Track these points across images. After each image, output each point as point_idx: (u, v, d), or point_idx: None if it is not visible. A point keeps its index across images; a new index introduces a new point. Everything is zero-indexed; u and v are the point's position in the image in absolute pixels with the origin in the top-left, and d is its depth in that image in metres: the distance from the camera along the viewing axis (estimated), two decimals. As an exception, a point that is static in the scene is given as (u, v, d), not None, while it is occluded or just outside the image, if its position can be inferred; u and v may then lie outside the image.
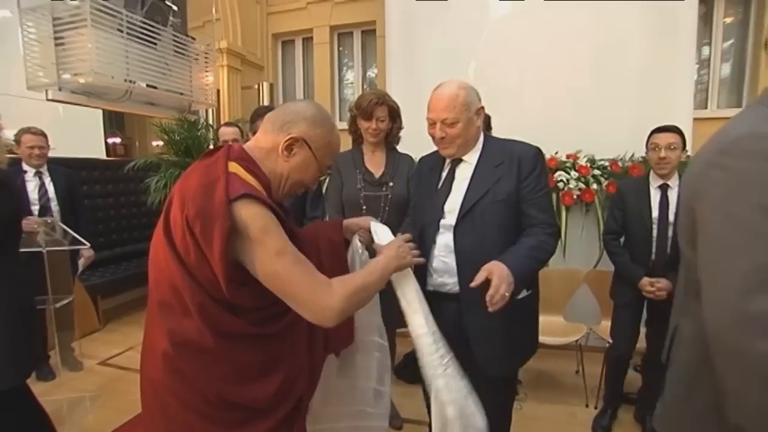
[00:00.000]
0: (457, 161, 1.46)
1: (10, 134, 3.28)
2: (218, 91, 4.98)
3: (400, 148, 2.20)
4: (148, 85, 3.86)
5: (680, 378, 0.85)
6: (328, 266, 1.17)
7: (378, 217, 2.01)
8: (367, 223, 1.29)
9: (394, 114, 2.08)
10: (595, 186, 2.94)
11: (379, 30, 4.92)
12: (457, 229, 1.40)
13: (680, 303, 0.91)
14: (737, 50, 4.35)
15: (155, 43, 3.88)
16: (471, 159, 1.44)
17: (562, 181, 2.93)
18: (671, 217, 2.06)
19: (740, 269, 0.62)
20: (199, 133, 3.94)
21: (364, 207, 2.04)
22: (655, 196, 2.11)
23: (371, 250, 1.26)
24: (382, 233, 1.25)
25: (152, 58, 3.89)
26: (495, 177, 1.38)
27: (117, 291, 4.03)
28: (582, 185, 2.91)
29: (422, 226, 1.50)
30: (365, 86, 5.47)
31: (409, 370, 2.53)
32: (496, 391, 1.42)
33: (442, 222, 1.44)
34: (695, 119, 3.37)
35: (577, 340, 2.53)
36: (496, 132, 2.47)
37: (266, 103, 4.94)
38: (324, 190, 2.25)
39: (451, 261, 1.41)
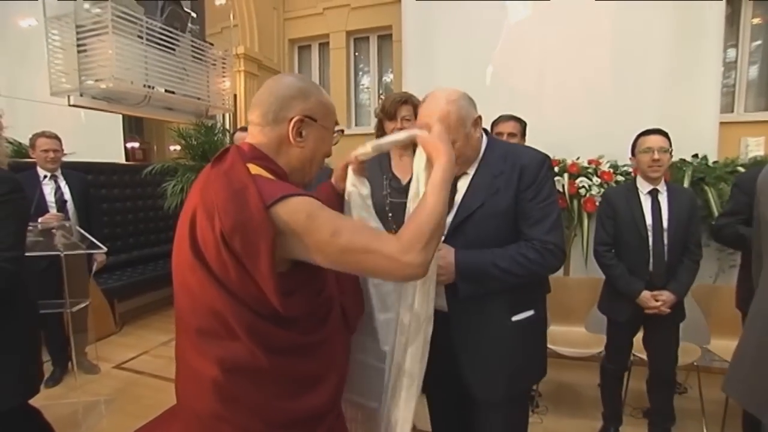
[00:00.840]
0: (458, 175, 1.30)
1: (17, 135, 3.39)
2: (235, 96, 5.02)
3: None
4: (166, 90, 3.90)
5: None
6: None
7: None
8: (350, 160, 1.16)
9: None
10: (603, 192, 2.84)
11: (396, 35, 4.90)
12: (447, 244, 1.24)
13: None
14: (765, 52, 4.20)
15: (174, 49, 3.93)
16: (472, 170, 1.29)
17: (584, 187, 2.84)
18: (665, 223, 1.98)
19: None
20: (215, 138, 3.96)
21: (390, 214, 1.99)
22: (645, 202, 2.02)
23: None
24: (386, 143, 1.13)
25: (171, 64, 3.93)
26: (493, 188, 1.23)
27: (134, 294, 4.06)
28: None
29: None
30: (381, 91, 5.46)
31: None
32: (501, 412, 1.32)
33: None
34: (721, 123, 3.25)
35: (599, 352, 2.43)
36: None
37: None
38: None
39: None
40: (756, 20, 4.22)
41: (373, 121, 2.04)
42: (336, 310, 1.03)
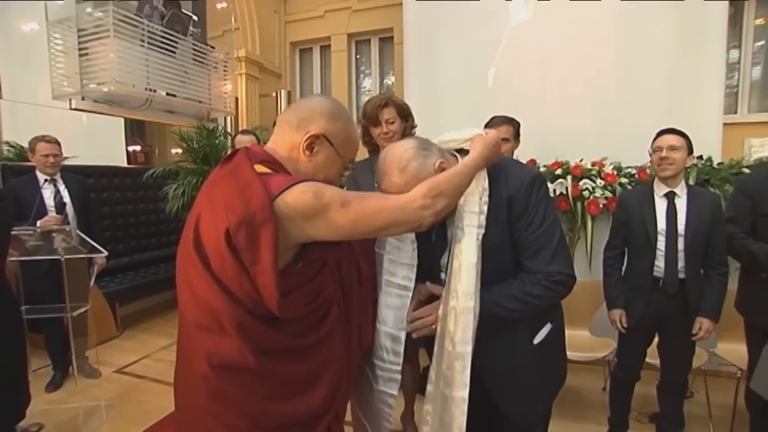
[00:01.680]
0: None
1: (19, 138, 3.36)
2: (236, 99, 5.02)
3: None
4: (167, 94, 3.91)
5: None
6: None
7: None
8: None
9: (404, 113, 1.98)
10: (618, 194, 2.81)
11: (397, 37, 4.90)
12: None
13: None
14: (768, 52, 4.19)
15: (174, 52, 3.93)
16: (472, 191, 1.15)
17: (587, 189, 2.82)
18: (681, 229, 1.89)
19: None
20: (217, 141, 3.96)
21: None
22: (660, 206, 1.94)
23: None
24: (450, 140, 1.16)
25: (172, 67, 3.94)
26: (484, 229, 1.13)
27: (135, 298, 4.05)
28: (608, 194, 2.79)
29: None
30: (382, 93, 5.45)
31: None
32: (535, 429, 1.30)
33: (442, 276, 1.18)
34: (725, 124, 3.22)
35: (605, 356, 2.41)
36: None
37: (284, 110, 4.96)
38: None
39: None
40: (759, 21, 4.21)
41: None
42: (335, 312, 1.02)
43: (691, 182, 2.64)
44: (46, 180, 2.82)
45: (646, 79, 3.13)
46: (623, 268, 2.10)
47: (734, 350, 2.28)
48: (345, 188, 2.17)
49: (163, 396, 2.68)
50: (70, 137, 3.18)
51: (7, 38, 4.46)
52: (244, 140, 2.66)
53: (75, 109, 3.57)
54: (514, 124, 2.24)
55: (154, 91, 3.80)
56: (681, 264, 1.90)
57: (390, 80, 5.49)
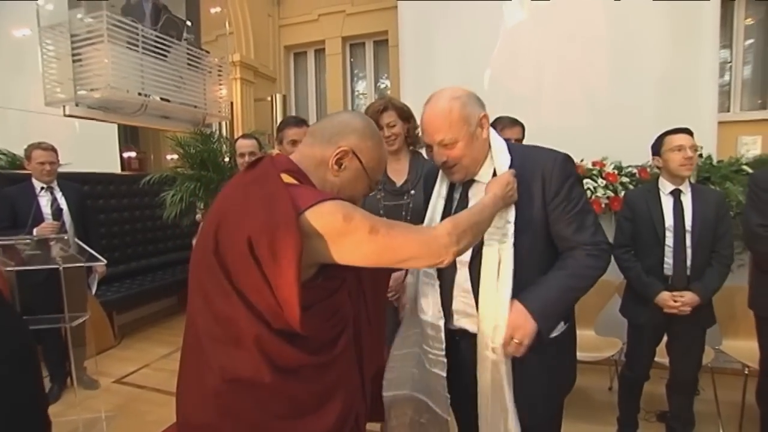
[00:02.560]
0: (468, 182, 1.22)
1: (11, 146, 3.29)
2: (231, 103, 4.98)
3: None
4: (162, 99, 3.86)
5: None
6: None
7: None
8: None
9: (405, 115, 1.98)
10: (623, 193, 2.82)
11: (392, 40, 4.90)
12: (472, 266, 1.17)
13: None
14: (758, 51, 4.26)
15: (166, 56, 3.89)
16: (484, 177, 1.18)
17: (589, 189, 2.83)
18: (688, 225, 1.92)
19: None
20: (214, 146, 3.92)
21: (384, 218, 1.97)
22: (667, 203, 1.96)
23: None
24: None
25: (167, 73, 3.90)
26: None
27: (133, 306, 3.99)
28: (610, 193, 2.81)
29: None
30: (377, 97, 5.45)
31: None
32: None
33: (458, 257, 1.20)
34: (718, 123, 3.26)
35: (611, 356, 2.40)
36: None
37: (279, 114, 4.93)
38: None
39: (469, 301, 1.19)
40: (749, 20, 4.27)
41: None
42: (348, 334, 1.00)
43: (692, 180, 2.66)
44: (42, 188, 2.77)
45: (641, 78, 3.16)
46: None
47: (740, 347, 2.29)
48: None
49: (164, 406, 2.63)
50: (63, 144, 3.11)
51: (-2, 44, 4.40)
52: (245, 144, 2.63)
53: (69, 116, 3.52)
54: (522, 126, 2.28)
55: (149, 96, 3.76)
56: (689, 261, 1.91)
57: (384, 83, 5.49)
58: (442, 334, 1.20)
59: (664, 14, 3.11)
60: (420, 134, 2.07)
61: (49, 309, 2.41)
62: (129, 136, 5.74)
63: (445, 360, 1.21)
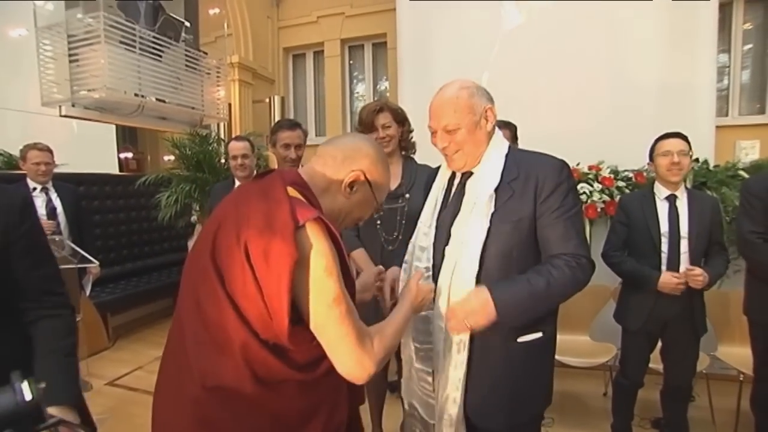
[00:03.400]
0: (467, 174, 1.24)
1: (8, 146, 3.29)
2: (229, 105, 4.97)
3: (418, 159, 2.11)
4: (159, 100, 3.85)
5: None
6: None
7: (394, 230, 1.92)
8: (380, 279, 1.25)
9: (400, 118, 1.98)
10: (618, 198, 2.82)
11: (390, 42, 4.90)
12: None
13: None
14: (757, 56, 4.25)
15: (161, 57, 3.88)
16: (482, 172, 1.20)
17: (585, 193, 2.82)
18: (684, 231, 1.90)
19: None
20: (210, 148, 3.91)
21: (379, 222, 1.96)
22: (662, 209, 1.95)
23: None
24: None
25: (164, 73, 3.88)
26: (506, 194, 1.14)
27: (127, 308, 3.97)
28: (606, 197, 2.79)
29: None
30: (376, 99, 5.44)
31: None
32: None
33: (447, 249, 1.20)
34: (716, 127, 3.26)
35: (606, 362, 2.39)
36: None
37: (278, 116, 4.93)
38: None
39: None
40: (747, 25, 4.26)
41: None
42: None
43: (689, 185, 2.65)
44: (36, 188, 2.76)
45: (638, 82, 3.16)
46: None
47: (735, 354, 2.27)
48: None
49: (156, 409, 2.62)
50: (61, 144, 3.11)
51: (-6, 44, 4.39)
52: (237, 146, 2.62)
53: (65, 116, 3.50)
54: (511, 128, 2.25)
55: (146, 97, 3.75)
56: (683, 267, 1.89)
57: (383, 85, 5.48)
58: (431, 327, 1.22)
59: (662, 18, 3.11)
60: (413, 139, 2.07)
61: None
62: (127, 137, 5.74)
63: (431, 355, 1.24)
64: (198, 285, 0.89)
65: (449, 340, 1.18)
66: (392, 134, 1.95)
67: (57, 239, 2.36)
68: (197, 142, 3.88)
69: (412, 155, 2.08)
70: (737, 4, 4.12)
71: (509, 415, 1.19)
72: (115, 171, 5.03)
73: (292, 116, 5.61)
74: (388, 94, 5.18)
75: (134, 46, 3.62)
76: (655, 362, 2.11)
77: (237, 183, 2.65)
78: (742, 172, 2.72)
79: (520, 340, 1.17)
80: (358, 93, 5.68)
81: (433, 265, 1.23)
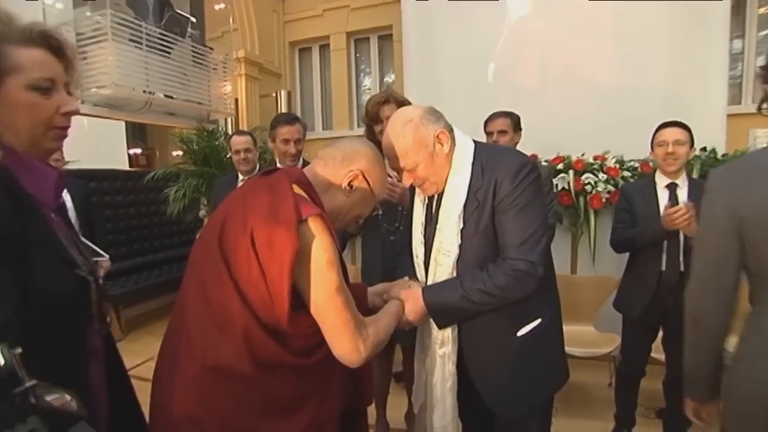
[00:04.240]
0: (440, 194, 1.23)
1: None
2: (236, 99, 5.02)
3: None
4: (166, 96, 3.91)
5: None
6: None
7: (395, 221, 1.94)
8: (395, 292, 1.25)
9: None
10: (620, 186, 2.78)
11: (396, 34, 4.88)
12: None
13: None
14: (773, 42, 4.14)
15: (169, 53, 3.92)
16: (454, 188, 1.18)
17: (590, 183, 2.79)
18: None
19: None
20: (217, 143, 3.95)
21: (380, 213, 1.97)
22: (663, 197, 1.94)
23: None
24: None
25: (171, 69, 3.94)
26: (473, 206, 1.15)
27: (138, 300, 4.05)
28: (611, 187, 2.77)
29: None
30: (383, 90, 5.43)
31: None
32: (524, 426, 1.27)
33: (431, 261, 1.26)
34: (729, 115, 3.18)
35: (610, 352, 2.38)
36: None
37: (284, 110, 4.95)
38: None
39: None
40: (762, 10, 4.15)
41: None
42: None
43: (695, 175, 2.61)
44: (46, 184, 2.82)
45: (647, 70, 3.10)
46: (624, 263, 2.07)
47: (741, 344, 2.25)
48: None
49: (167, 398, 2.68)
50: (73, 141, 3.13)
51: (6, 43, 4.47)
52: (239, 141, 2.64)
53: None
54: (512, 117, 2.23)
55: (153, 93, 3.80)
56: (681, 256, 1.88)
57: (390, 78, 5.47)
58: (432, 320, 1.24)
59: (674, 3, 3.04)
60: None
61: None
62: (137, 133, 5.82)
63: (428, 351, 1.26)
64: (204, 270, 0.94)
65: (435, 337, 1.24)
66: None
67: (67, 233, 2.41)
68: (204, 137, 3.93)
69: None
70: (753, -11, 4.02)
71: (531, 398, 1.24)
72: (125, 167, 5.11)
73: (299, 110, 5.63)
74: (394, 87, 5.17)
75: (141, 43, 3.67)
76: (658, 352, 2.10)
77: (240, 177, 2.67)
78: (751, 161, 2.66)
79: (519, 334, 1.19)
80: (365, 86, 5.68)
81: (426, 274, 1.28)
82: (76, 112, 0.85)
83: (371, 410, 1.49)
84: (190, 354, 0.91)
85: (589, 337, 2.52)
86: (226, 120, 4.91)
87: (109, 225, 3.99)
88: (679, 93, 3.05)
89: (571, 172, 2.87)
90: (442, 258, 1.20)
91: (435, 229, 1.22)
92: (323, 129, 5.73)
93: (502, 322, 1.19)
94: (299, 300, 0.91)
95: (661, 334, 2.07)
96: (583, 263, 2.98)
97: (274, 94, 5.18)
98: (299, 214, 0.88)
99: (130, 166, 5.31)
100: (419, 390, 1.35)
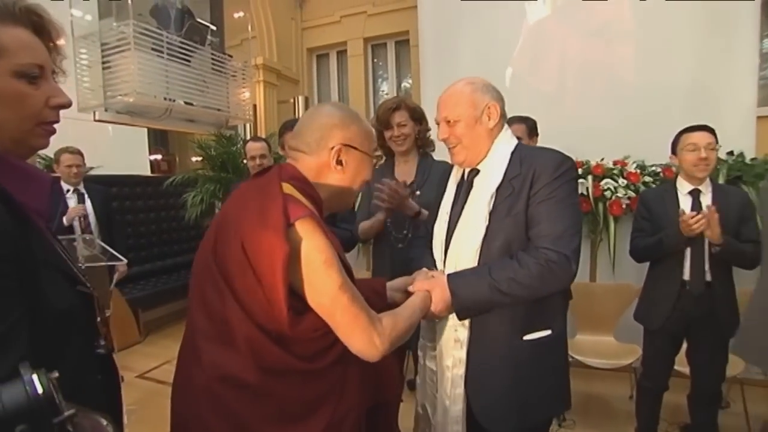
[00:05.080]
0: (474, 172, 1.22)
1: (48, 150, 3.49)
2: (255, 106, 5.09)
3: (436, 156, 2.08)
4: (186, 103, 3.98)
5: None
6: None
7: (403, 228, 1.92)
8: (418, 284, 1.19)
9: (416, 116, 1.96)
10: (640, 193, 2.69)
11: (413, 40, 4.87)
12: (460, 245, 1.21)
13: None
14: (805, 42, 3.97)
15: (190, 61, 4.00)
16: (487, 169, 1.18)
17: (609, 189, 2.71)
18: None
19: None
20: (234, 149, 4.00)
21: (389, 221, 1.95)
22: (685, 204, 1.83)
23: None
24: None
25: (191, 77, 4.01)
26: (507, 191, 1.13)
27: (157, 304, 4.13)
28: (632, 193, 2.68)
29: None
30: (395, 96, 5.43)
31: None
32: None
33: (451, 244, 1.22)
34: (759, 117, 3.06)
35: (631, 363, 2.30)
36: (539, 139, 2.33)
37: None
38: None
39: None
40: (794, 8, 3.98)
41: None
42: (339, 349, 0.97)
43: (721, 180, 2.51)
44: (69, 189, 2.91)
45: (670, 71, 3.00)
46: (646, 271, 1.99)
47: (772, 358, 2.14)
48: (359, 203, 2.11)
49: (182, 401, 2.71)
50: (97, 148, 3.27)
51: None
52: (255, 147, 2.66)
53: (98, 121, 3.68)
54: (527, 122, 2.19)
55: (174, 100, 3.89)
56: (707, 265, 1.79)
57: (407, 83, 5.47)
58: (435, 323, 1.23)
59: (698, 3, 2.93)
60: (430, 136, 2.06)
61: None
62: (158, 140, 5.96)
63: (434, 352, 1.23)
64: (203, 281, 0.93)
65: (449, 337, 1.18)
66: (407, 132, 1.94)
67: (87, 238, 2.48)
68: (222, 143, 3.99)
69: (431, 152, 2.07)
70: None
71: (521, 418, 1.15)
72: (147, 172, 5.24)
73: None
74: (411, 92, 5.16)
75: (163, 52, 3.76)
76: (682, 365, 2.00)
77: (256, 183, 2.70)
78: (783, 165, 2.54)
79: (526, 338, 1.14)
80: (382, 91, 5.69)
81: (445, 256, 1.23)
82: (68, 105, 0.74)
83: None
84: (199, 365, 0.91)
85: (609, 347, 2.44)
86: (244, 126, 4.98)
87: (129, 229, 4.09)
88: (705, 95, 2.94)
89: (590, 177, 2.80)
90: (465, 237, 1.16)
91: (462, 209, 1.20)
92: (341, 134, 5.76)
93: (507, 323, 1.14)
94: (301, 304, 0.89)
95: (685, 345, 1.97)
96: (602, 271, 2.89)
97: (292, 100, 5.24)
98: (287, 217, 0.85)
99: (152, 172, 5.43)
100: (424, 390, 1.32)
